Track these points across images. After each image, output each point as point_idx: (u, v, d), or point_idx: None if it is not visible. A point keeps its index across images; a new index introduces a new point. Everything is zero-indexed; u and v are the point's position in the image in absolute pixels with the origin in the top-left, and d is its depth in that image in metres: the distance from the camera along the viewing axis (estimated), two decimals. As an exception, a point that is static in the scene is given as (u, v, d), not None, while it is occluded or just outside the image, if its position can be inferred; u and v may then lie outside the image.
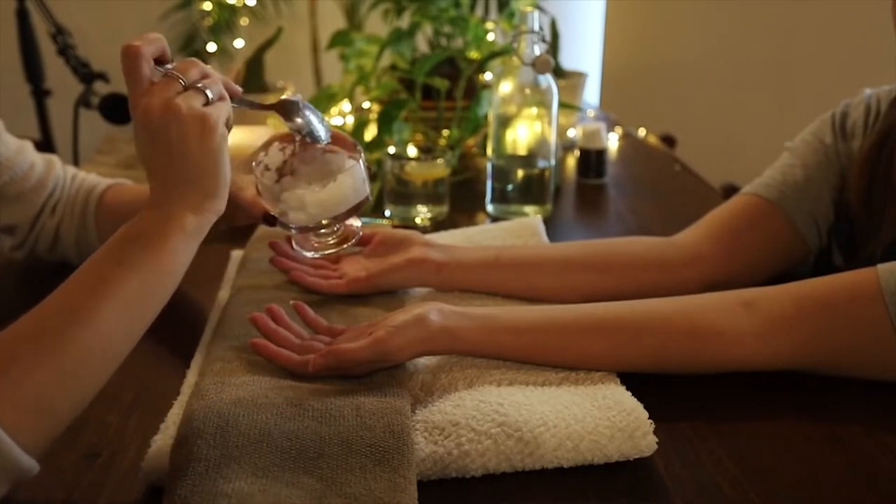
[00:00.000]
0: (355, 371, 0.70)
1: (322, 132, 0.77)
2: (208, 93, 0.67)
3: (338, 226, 0.82)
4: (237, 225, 0.87)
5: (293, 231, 0.81)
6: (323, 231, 0.82)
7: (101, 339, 0.59)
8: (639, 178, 1.50)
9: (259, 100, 0.77)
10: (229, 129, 0.69)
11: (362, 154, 0.79)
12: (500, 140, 1.23)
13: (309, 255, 0.85)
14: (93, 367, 0.59)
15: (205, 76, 0.68)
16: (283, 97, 0.77)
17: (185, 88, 0.66)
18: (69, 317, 0.59)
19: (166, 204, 0.65)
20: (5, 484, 0.55)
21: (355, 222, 0.84)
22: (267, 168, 0.78)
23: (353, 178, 0.78)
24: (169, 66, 0.68)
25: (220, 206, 0.67)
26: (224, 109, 0.68)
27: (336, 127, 0.96)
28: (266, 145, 0.82)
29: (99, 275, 0.61)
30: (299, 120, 0.76)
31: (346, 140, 0.80)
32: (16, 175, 0.94)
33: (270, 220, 0.80)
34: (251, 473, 0.58)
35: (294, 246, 0.88)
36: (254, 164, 0.80)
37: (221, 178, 0.67)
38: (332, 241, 0.83)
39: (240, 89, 0.72)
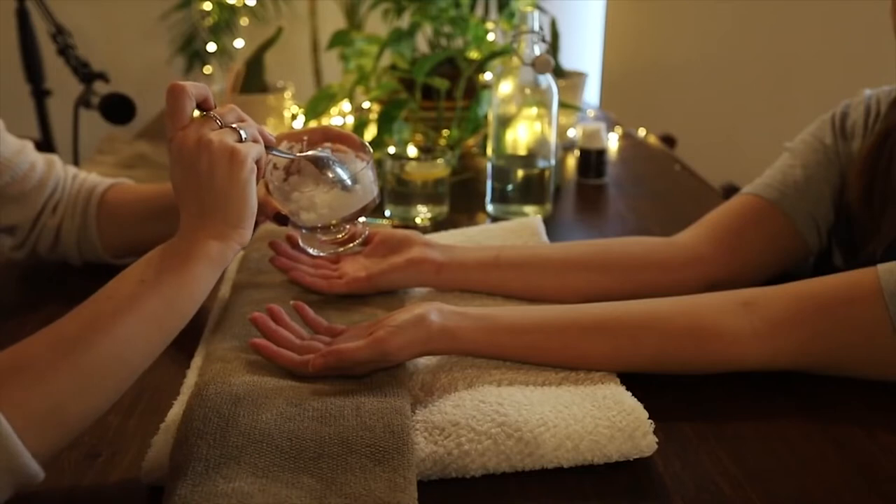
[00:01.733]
0: (355, 371, 0.70)
1: (349, 180, 0.79)
2: (242, 133, 0.70)
3: (346, 226, 0.82)
4: None
5: (303, 231, 0.82)
6: (332, 230, 0.82)
7: (118, 351, 0.60)
8: (639, 178, 1.50)
9: (289, 148, 0.80)
10: (260, 170, 0.72)
11: (371, 155, 0.80)
12: (500, 140, 1.23)
13: (313, 252, 0.86)
14: (108, 377, 0.60)
15: (241, 120, 0.72)
16: (312, 152, 0.79)
17: (221, 127, 0.69)
18: (89, 326, 0.60)
19: (194, 231, 0.68)
20: (10, 488, 0.55)
21: (362, 222, 0.85)
22: (275, 167, 0.79)
23: (362, 179, 0.79)
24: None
25: (245, 237, 0.70)
26: (255, 149, 0.70)
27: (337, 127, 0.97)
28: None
29: (122, 290, 0.63)
30: (330, 174, 0.78)
31: (356, 140, 0.81)
32: (16, 175, 0.94)
33: (282, 220, 0.81)
34: (251, 473, 0.58)
35: (300, 243, 0.88)
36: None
37: (248, 210, 0.69)
38: (338, 240, 0.84)
39: (273, 138, 0.76)
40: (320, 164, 0.79)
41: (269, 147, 0.74)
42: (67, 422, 0.58)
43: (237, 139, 0.69)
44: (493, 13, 1.72)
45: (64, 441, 0.58)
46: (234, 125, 0.70)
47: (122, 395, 0.62)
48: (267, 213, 0.83)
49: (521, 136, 1.22)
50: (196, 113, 0.71)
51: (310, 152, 0.79)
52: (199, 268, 0.66)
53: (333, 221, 0.80)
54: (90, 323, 0.60)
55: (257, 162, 0.71)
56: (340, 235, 0.84)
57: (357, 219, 0.82)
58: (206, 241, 0.67)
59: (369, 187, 0.80)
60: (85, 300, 0.62)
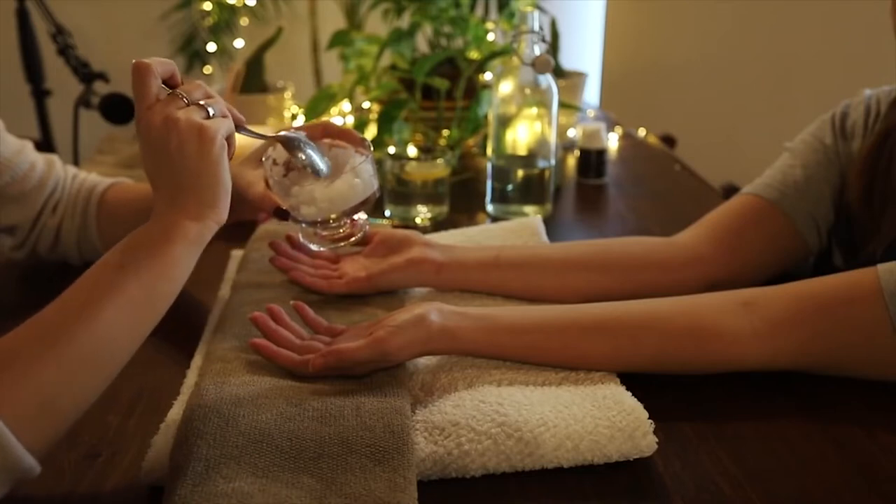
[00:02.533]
0: (355, 371, 0.70)
1: (323, 166, 0.79)
2: (210, 110, 0.69)
3: (346, 220, 0.82)
4: (241, 220, 0.88)
5: (304, 225, 0.82)
6: (332, 225, 0.82)
7: (103, 338, 0.59)
8: (639, 178, 1.50)
9: (261, 129, 0.79)
10: (231, 147, 0.71)
11: (371, 150, 0.80)
12: (500, 140, 1.23)
13: (314, 247, 0.86)
14: (95, 366, 0.60)
15: (208, 97, 0.71)
16: (283, 133, 0.79)
17: (188, 105, 0.68)
18: (72, 316, 0.59)
19: (169, 212, 0.67)
20: (6, 483, 0.55)
21: (362, 217, 0.85)
22: (275, 163, 0.80)
23: (362, 173, 0.79)
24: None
25: (221, 215, 0.69)
26: (224, 125, 0.69)
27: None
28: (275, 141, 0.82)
29: (102, 278, 0.62)
30: (301, 155, 0.78)
31: (355, 136, 0.81)
32: (16, 175, 0.94)
33: (282, 214, 0.81)
34: (251, 473, 0.58)
35: (301, 239, 0.88)
36: (263, 158, 0.81)
37: (222, 188, 0.68)
38: (339, 235, 0.84)
39: (243, 118, 0.74)
40: (290, 146, 0.78)
41: (238, 126, 0.73)
42: (59, 414, 0.58)
43: (205, 116, 0.68)
44: (493, 13, 1.72)
45: (58, 434, 0.58)
46: (201, 102, 0.69)
47: (110, 382, 0.61)
48: (267, 208, 0.83)
49: (521, 136, 1.22)
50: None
51: (282, 133, 0.78)
52: (177, 250, 0.65)
53: (333, 215, 0.80)
54: (73, 314, 0.59)
55: (228, 139, 0.69)
56: (341, 230, 0.84)
57: (357, 213, 0.82)
58: (182, 222, 0.66)
59: (369, 181, 0.80)
60: (65, 290, 0.61)
